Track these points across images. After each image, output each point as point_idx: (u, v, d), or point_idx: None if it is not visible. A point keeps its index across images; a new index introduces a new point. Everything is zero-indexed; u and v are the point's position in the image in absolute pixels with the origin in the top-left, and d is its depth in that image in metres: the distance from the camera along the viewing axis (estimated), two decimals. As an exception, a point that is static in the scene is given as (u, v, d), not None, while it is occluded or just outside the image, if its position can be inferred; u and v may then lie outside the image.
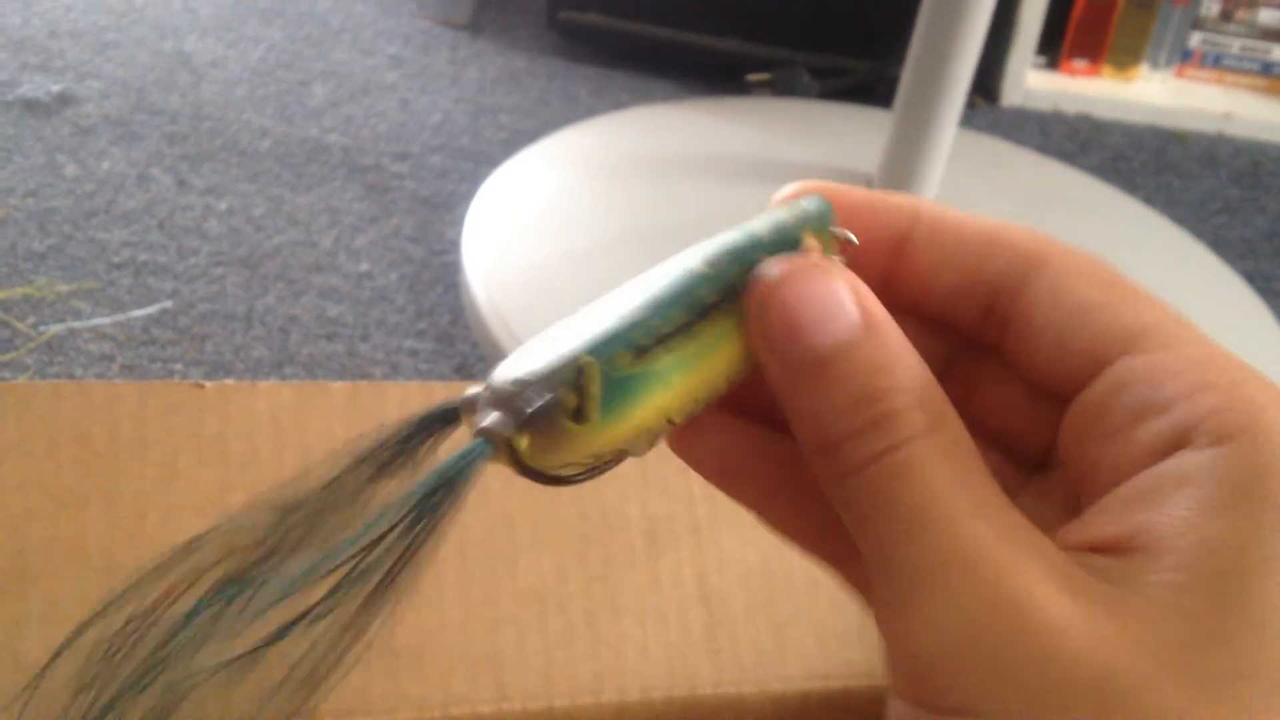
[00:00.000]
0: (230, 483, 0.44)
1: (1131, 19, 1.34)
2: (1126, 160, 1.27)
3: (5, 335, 0.80)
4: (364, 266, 0.92)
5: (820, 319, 0.23)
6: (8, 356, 0.78)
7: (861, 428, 0.22)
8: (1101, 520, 0.22)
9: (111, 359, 0.79)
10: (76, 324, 0.81)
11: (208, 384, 0.46)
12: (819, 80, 1.23)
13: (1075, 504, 0.24)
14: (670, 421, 0.24)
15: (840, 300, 0.23)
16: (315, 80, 1.16)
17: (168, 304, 0.85)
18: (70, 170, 0.97)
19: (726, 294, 0.24)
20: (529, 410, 0.23)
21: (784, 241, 0.25)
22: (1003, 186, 1.09)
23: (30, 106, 1.04)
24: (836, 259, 0.25)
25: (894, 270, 0.26)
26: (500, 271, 0.88)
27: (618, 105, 1.19)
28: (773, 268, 0.24)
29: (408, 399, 0.48)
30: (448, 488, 0.22)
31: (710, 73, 1.27)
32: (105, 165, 0.98)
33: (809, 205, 0.26)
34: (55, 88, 1.07)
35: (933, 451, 0.22)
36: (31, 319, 0.81)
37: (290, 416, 0.46)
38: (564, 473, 0.23)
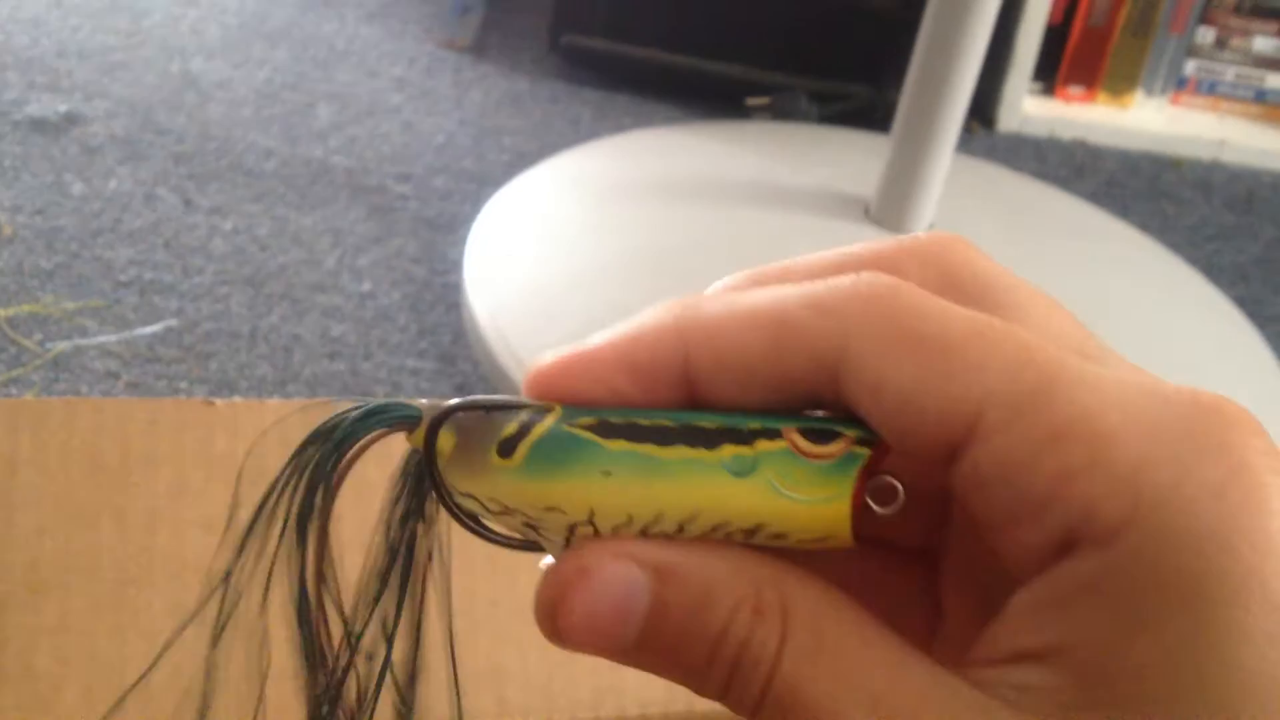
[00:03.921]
0: (239, 498, 0.45)
1: (1127, 46, 1.36)
2: (1121, 186, 1.28)
3: (12, 352, 0.81)
4: (367, 286, 0.93)
5: (613, 618, 0.21)
6: (14, 373, 0.79)
7: (726, 679, 0.21)
8: (1016, 630, 0.20)
9: (117, 376, 0.80)
10: (83, 341, 0.82)
11: (218, 401, 0.47)
12: (818, 105, 1.24)
13: (983, 582, 0.23)
14: (592, 521, 0.22)
15: (623, 584, 0.21)
16: (320, 102, 1.17)
17: (173, 322, 0.86)
18: (77, 189, 0.98)
19: (726, 437, 0.22)
20: (468, 409, 0.22)
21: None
22: (998, 211, 1.10)
23: (38, 126, 1.06)
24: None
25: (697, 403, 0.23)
26: (502, 292, 0.89)
27: (619, 128, 1.20)
28: (547, 579, 0.22)
29: (413, 418, 0.49)
30: (347, 441, 0.23)
31: (711, 97, 1.28)
32: (112, 184, 1.00)
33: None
34: (63, 107, 1.08)
35: (800, 664, 0.20)
36: (38, 336, 0.82)
37: (299, 434, 0.47)
38: (465, 505, 0.22)
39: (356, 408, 0.23)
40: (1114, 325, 1.02)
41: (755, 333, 0.21)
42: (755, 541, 0.22)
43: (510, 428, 0.22)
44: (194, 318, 0.86)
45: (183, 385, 0.81)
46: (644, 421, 0.22)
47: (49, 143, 1.04)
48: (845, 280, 0.21)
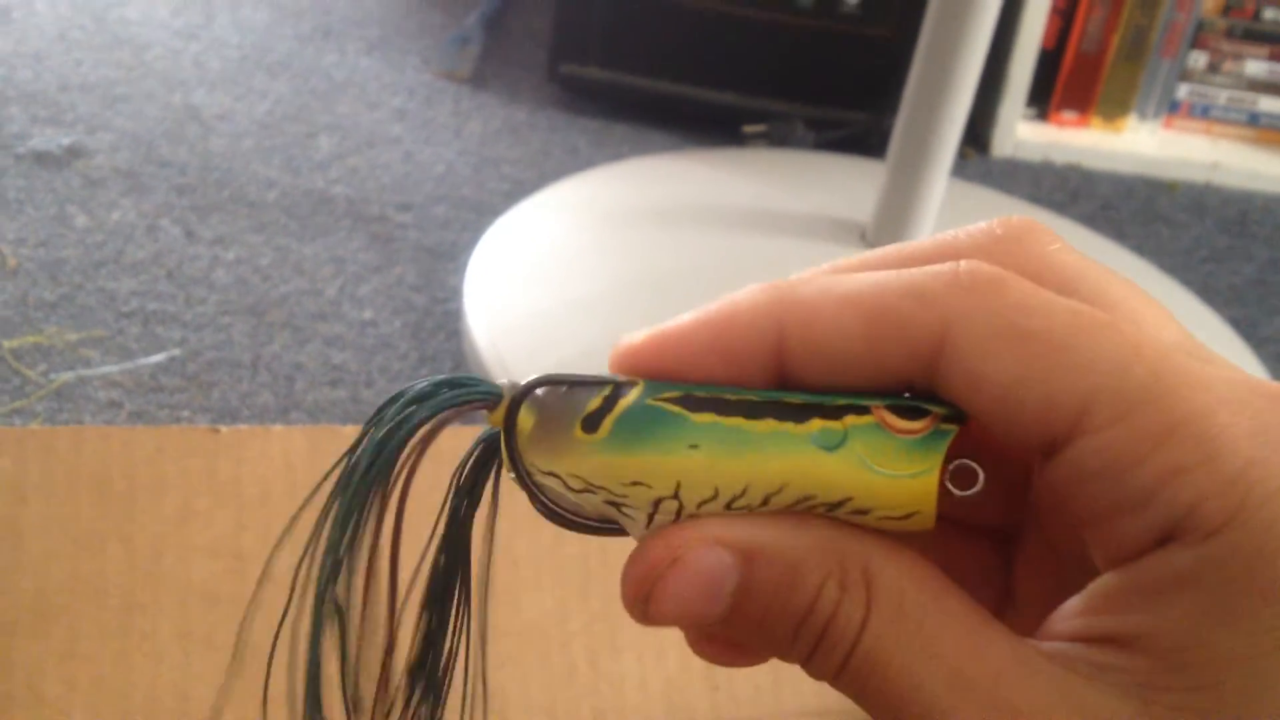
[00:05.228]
0: (244, 524, 0.46)
1: (1120, 71, 1.37)
2: (1115, 209, 1.29)
3: (16, 383, 0.81)
4: (368, 314, 0.94)
5: (702, 599, 0.22)
6: (18, 404, 0.80)
7: (810, 649, 0.22)
8: (1099, 611, 0.21)
9: (120, 406, 0.81)
10: (86, 372, 0.83)
11: (223, 429, 0.47)
12: (814, 132, 1.25)
13: (1061, 565, 0.23)
14: (677, 494, 0.22)
15: (712, 569, 0.21)
16: (321, 133, 1.18)
17: (176, 352, 0.86)
18: (80, 221, 0.99)
19: (815, 411, 0.22)
20: (548, 386, 0.22)
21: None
22: (994, 235, 1.11)
23: (41, 159, 1.07)
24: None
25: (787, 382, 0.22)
26: (501, 319, 0.90)
27: (617, 156, 1.21)
28: (636, 566, 0.22)
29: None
30: (438, 421, 0.22)
31: (708, 125, 1.29)
32: (115, 216, 1.00)
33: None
34: (66, 140, 1.09)
35: (882, 637, 0.21)
36: (42, 367, 0.83)
37: (303, 460, 0.47)
38: (546, 485, 0.22)
39: (432, 380, 0.22)
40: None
41: (854, 319, 0.21)
42: (838, 516, 0.22)
43: (594, 402, 0.22)
44: (196, 347, 0.87)
45: (185, 414, 0.81)
46: (730, 396, 0.22)
47: (52, 175, 1.05)
48: (946, 269, 0.21)
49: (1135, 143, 1.38)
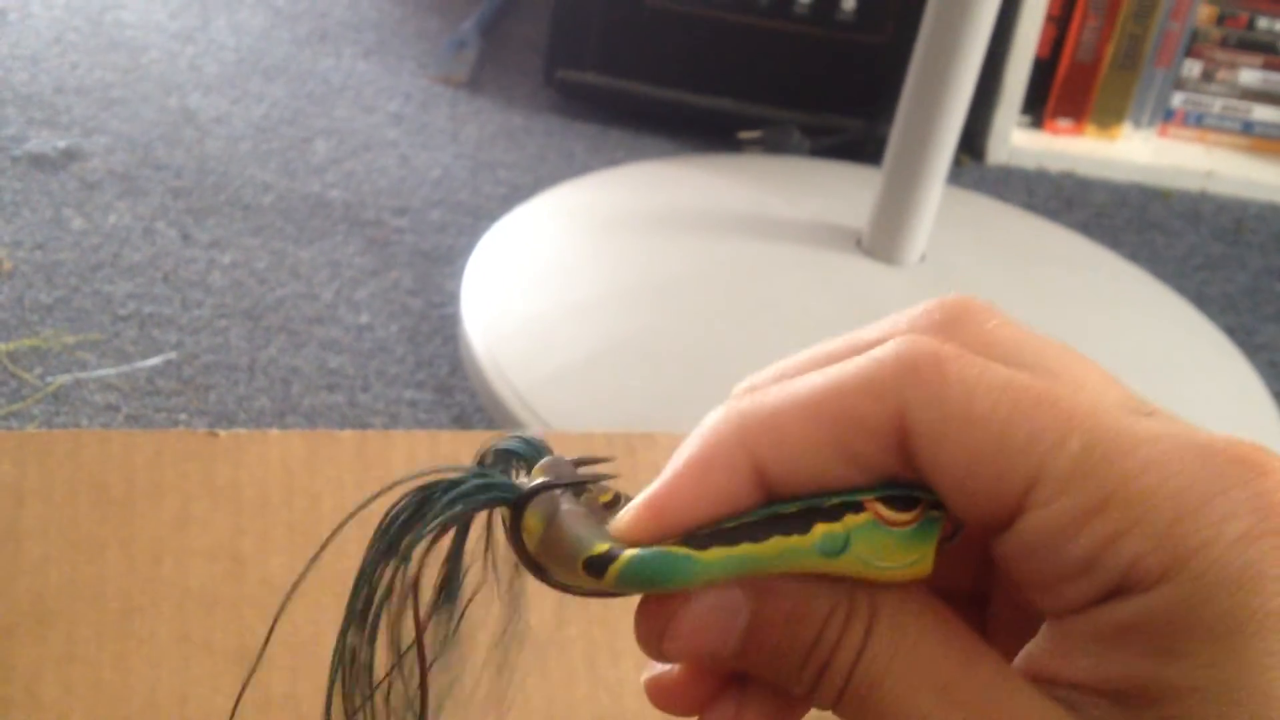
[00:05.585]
0: (243, 528, 0.46)
1: (1114, 79, 1.37)
2: (1110, 217, 1.29)
3: (12, 386, 0.81)
4: (364, 318, 0.94)
5: (715, 635, 0.23)
6: (15, 407, 0.80)
7: (816, 678, 0.23)
8: (1075, 657, 0.22)
9: (117, 409, 0.81)
10: (82, 375, 0.83)
11: (221, 433, 0.47)
12: (810, 138, 1.26)
13: (1029, 624, 0.24)
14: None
15: (724, 607, 0.23)
16: (317, 137, 1.19)
17: (172, 355, 0.86)
18: (77, 224, 0.99)
19: (815, 516, 0.23)
20: (551, 486, 0.23)
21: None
22: (990, 243, 1.11)
23: (37, 162, 1.07)
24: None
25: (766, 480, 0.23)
26: (498, 323, 0.90)
27: (613, 162, 1.21)
28: (644, 609, 0.23)
29: (414, 448, 0.50)
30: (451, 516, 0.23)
31: (704, 131, 1.30)
32: (111, 219, 1.00)
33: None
34: (62, 143, 1.09)
35: (879, 656, 0.22)
36: (38, 370, 0.83)
37: (301, 464, 0.47)
38: (552, 569, 0.23)
39: (448, 481, 0.23)
40: (1104, 356, 1.02)
41: (818, 429, 0.22)
42: None
43: (599, 547, 0.22)
44: (193, 350, 0.87)
45: (182, 418, 0.81)
46: (730, 524, 0.22)
47: (48, 178, 1.05)
48: (890, 352, 0.22)
49: (1130, 151, 1.39)
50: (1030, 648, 0.23)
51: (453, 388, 0.88)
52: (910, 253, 0.99)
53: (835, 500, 0.22)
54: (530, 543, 0.23)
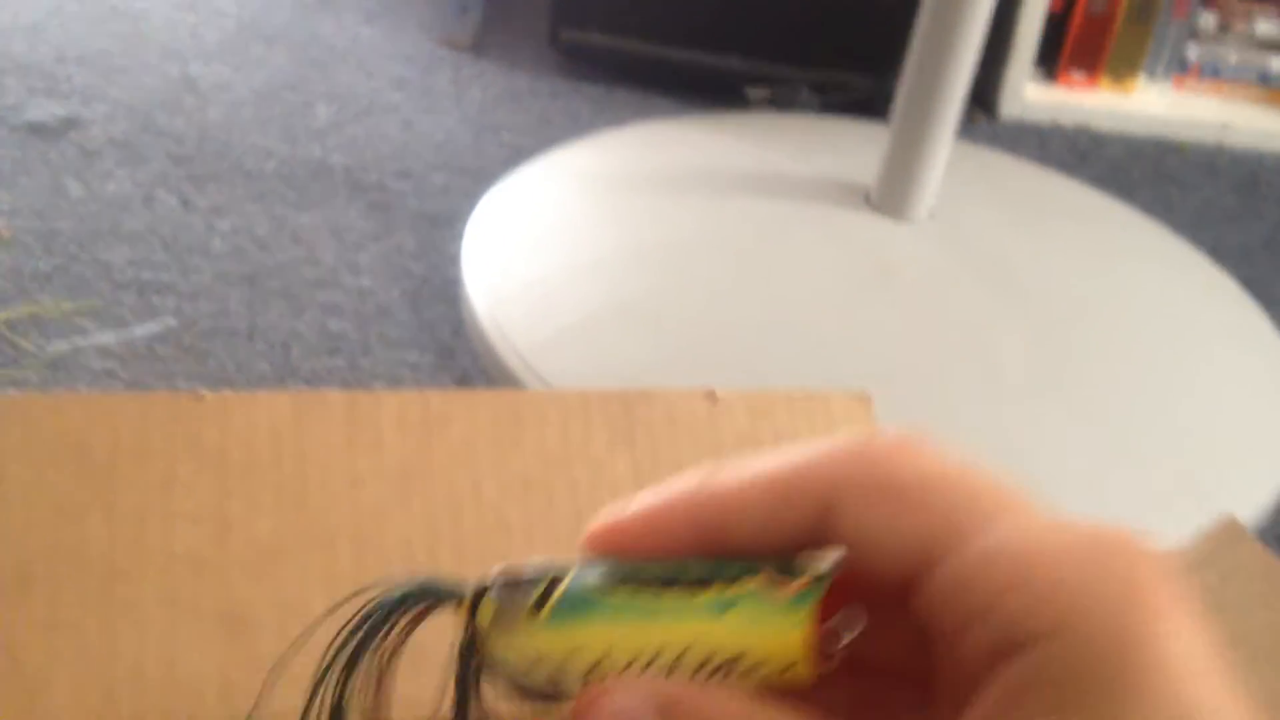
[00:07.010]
0: (229, 490, 0.45)
1: (1129, 32, 1.35)
2: (1125, 171, 1.27)
3: (11, 354, 0.81)
4: (366, 282, 0.93)
5: None
6: (13, 374, 0.79)
7: None
8: None
9: (115, 376, 0.80)
10: (81, 342, 0.82)
11: (207, 394, 0.46)
12: (818, 95, 1.24)
13: (957, 695, 0.25)
14: (608, 656, 0.25)
15: (630, 708, 0.25)
16: (319, 102, 1.17)
17: (171, 321, 0.85)
18: (76, 192, 0.98)
19: (715, 577, 0.25)
20: (505, 582, 0.25)
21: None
22: (1002, 198, 1.10)
23: (37, 130, 1.06)
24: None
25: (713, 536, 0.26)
26: (501, 286, 0.89)
27: (619, 122, 1.20)
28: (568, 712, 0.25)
29: (405, 408, 0.49)
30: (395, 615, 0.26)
31: (710, 90, 1.28)
32: (110, 187, 0.99)
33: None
34: (61, 111, 1.08)
35: None
36: (37, 337, 0.82)
37: (288, 426, 0.46)
38: (507, 660, 0.25)
39: (399, 590, 0.26)
40: (1120, 311, 1.01)
41: (757, 495, 0.26)
42: (741, 669, 0.25)
43: (538, 590, 0.25)
44: (192, 316, 0.86)
45: (181, 383, 0.81)
46: (649, 572, 0.25)
47: (47, 146, 1.04)
48: (835, 443, 0.26)
49: (1145, 104, 1.36)
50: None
51: (455, 350, 0.87)
52: (919, 208, 0.97)
53: (739, 566, 0.25)
54: (482, 632, 0.25)
